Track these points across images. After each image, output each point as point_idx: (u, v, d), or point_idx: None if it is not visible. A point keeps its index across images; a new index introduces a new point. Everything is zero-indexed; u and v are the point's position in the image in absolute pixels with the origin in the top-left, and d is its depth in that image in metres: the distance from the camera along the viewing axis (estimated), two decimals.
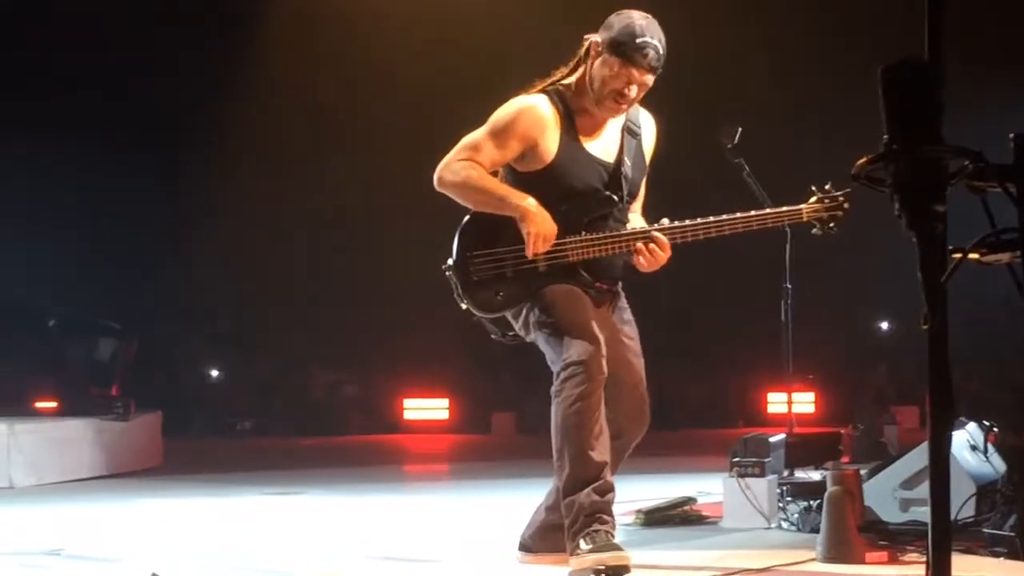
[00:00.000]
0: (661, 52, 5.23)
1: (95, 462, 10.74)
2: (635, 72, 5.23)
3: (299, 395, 18.30)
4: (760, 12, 15.29)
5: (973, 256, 2.58)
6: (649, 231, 5.33)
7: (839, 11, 15.09)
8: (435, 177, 5.39)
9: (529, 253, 5.26)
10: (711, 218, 5.34)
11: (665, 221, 5.40)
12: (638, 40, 5.19)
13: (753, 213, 5.42)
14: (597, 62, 5.30)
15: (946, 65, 2.56)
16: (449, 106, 10.84)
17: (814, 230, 5.47)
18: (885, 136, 2.50)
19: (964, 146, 2.50)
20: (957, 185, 2.54)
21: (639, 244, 5.30)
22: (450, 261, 5.44)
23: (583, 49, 5.39)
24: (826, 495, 5.68)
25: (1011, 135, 2.63)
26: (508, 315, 5.45)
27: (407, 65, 16.31)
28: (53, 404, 11.96)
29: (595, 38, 5.32)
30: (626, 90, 5.28)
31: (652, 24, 5.25)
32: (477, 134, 5.38)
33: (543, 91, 5.44)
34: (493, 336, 5.61)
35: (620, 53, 5.22)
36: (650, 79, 5.30)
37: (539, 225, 5.24)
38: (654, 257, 5.31)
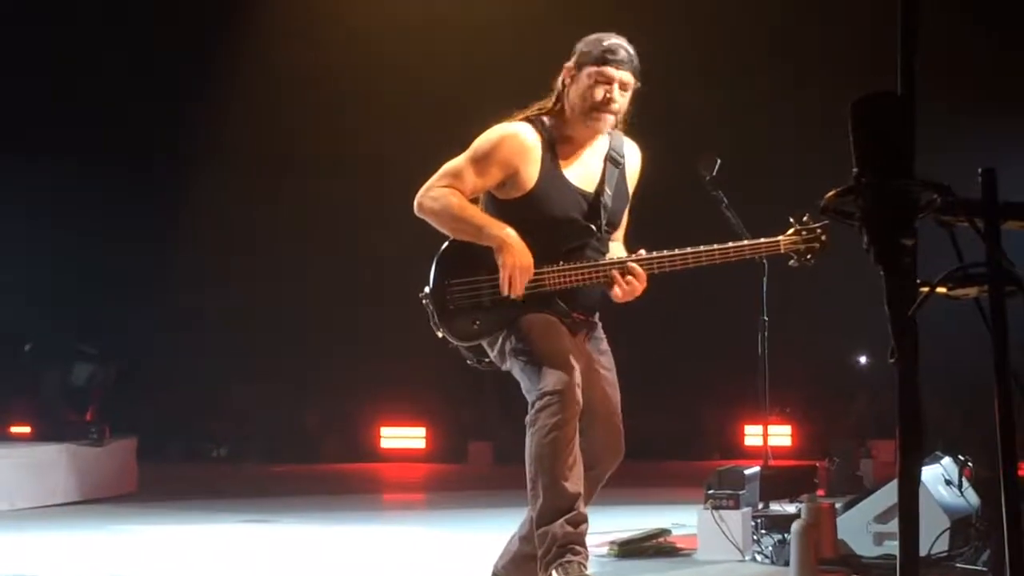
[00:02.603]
0: (630, 51, 5.34)
1: (69, 487, 10.69)
2: (612, 70, 5.28)
3: (275, 422, 18.24)
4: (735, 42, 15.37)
5: (941, 290, 2.59)
6: (625, 261, 5.33)
7: (815, 46, 15.15)
8: (415, 203, 5.39)
9: (503, 287, 5.25)
10: (688, 249, 5.35)
11: (642, 252, 5.40)
12: (605, 43, 5.31)
13: (731, 244, 5.42)
14: (575, 81, 5.35)
15: (917, 100, 2.57)
16: (434, 131, 10.84)
17: (791, 262, 5.48)
18: (855, 169, 2.51)
19: (933, 180, 2.51)
20: (925, 219, 2.56)
21: (615, 274, 5.30)
22: (427, 289, 5.43)
23: (559, 81, 5.43)
24: (792, 529, 5.69)
25: (979, 170, 2.64)
26: (484, 343, 5.45)
27: (395, 85, 16.33)
28: (27, 429, 11.91)
29: (567, 64, 5.39)
30: (609, 93, 5.31)
31: (615, 35, 5.37)
32: (458, 160, 5.38)
33: (525, 119, 5.45)
34: (468, 363, 5.60)
35: (592, 60, 5.30)
36: (629, 77, 5.33)
37: (516, 257, 5.23)
38: (630, 288, 5.31)
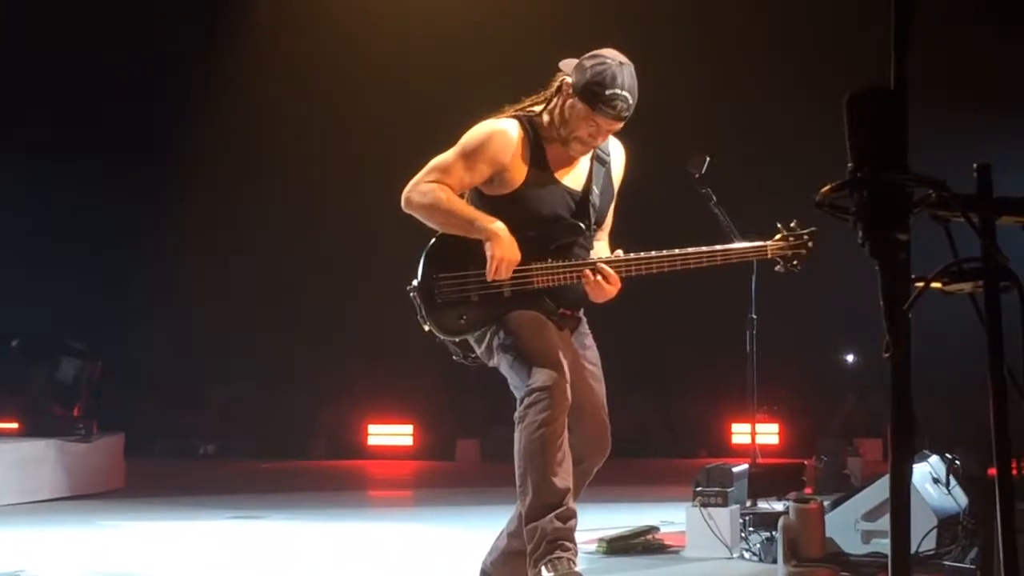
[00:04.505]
0: (631, 103, 5.21)
1: (56, 483, 10.67)
2: (602, 121, 5.23)
3: (262, 419, 18.22)
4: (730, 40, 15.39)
5: (935, 285, 2.59)
6: (609, 261, 5.33)
7: (809, 41, 15.16)
8: (403, 198, 5.38)
9: (490, 276, 5.25)
10: (676, 251, 5.34)
11: (619, 252, 5.41)
12: (608, 92, 5.15)
13: (717, 248, 5.42)
14: (567, 104, 5.29)
15: (912, 96, 2.56)
16: (425, 131, 10.84)
17: (777, 267, 5.48)
18: (849, 164, 2.51)
19: (928, 175, 2.51)
20: (920, 214, 2.55)
21: (587, 274, 5.30)
22: (415, 282, 5.42)
23: (556, 83, 5.38)
24: (779, 526, 5.69)
25: (975, 165, 2.64)
26: (471, 339, 5.44)
27: (383, 88, 16.32)
28: (15, 425, 11.88)
29: (568, 79, 5.30)
30: (592, 137, 5.29)
31: (625, 71, 5.21)
32: (446, 156, 5.37)
33: (514, 116, 5.43)
34: (455, 358, 5.60)
35: (588, 101, 5.20)
36: (617, 127, 5.30)
37: (504, 250, 5.23)
38: (601, 289, 5.31)
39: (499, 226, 5.24)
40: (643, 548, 7.02)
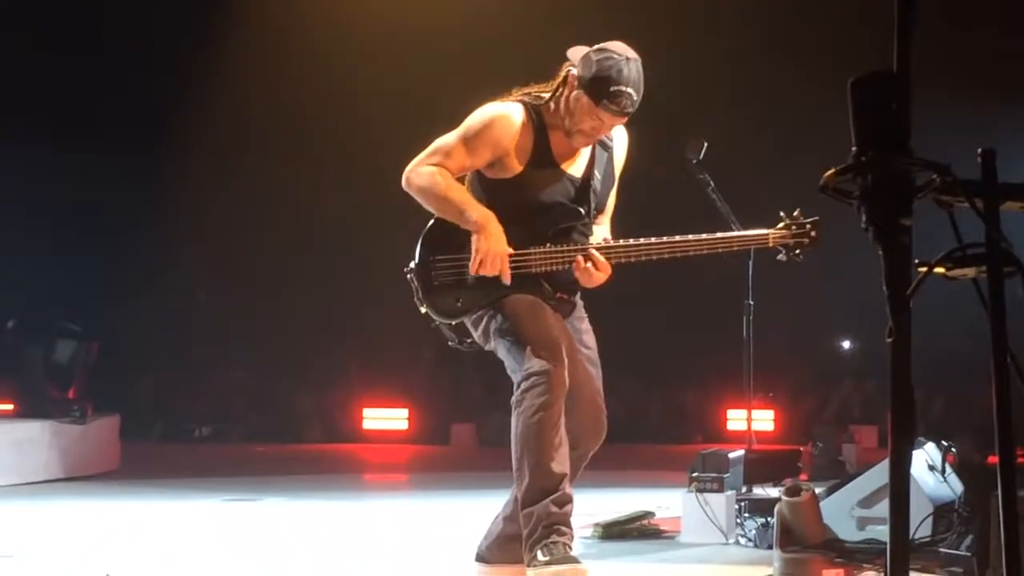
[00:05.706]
0: (635, 99, 5.19)
1: (52, 465, 10.65)
2: (605, 116, 5.22)
3: (258, 402, 18.22)
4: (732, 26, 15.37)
5: (939, 270, 2.59)
6: (587, 248, 5.32)
7: (811, 31, 15.14)
8: (403, 178, 5.37)
9: (472, 270, 5.25)
10: (676, 238, 5.34)
11: (608, 238, 5.41)
12: (612, 88, 5.13)
13: (719, 236, 5.42)
14: (572, 96, 5.26)
15: (916, 82, 2.56)
16: (411, 116, 10.83)
17: (779, 256, 5.47)
18: (854, 148, 2.50)
19: (932, 160, 2.50)
20: (924, 199, 2.55)
21: (578, 259, 5.29)
22: (412, 264, 5.42)
23: (562, 74, 5.35)
24: (775, 512, 5.69)
25: (979, 150, 2.63)
26: (467, 322, 5.44)
27: (374, 76, 16.30)
28: (10, 406, 11.86)
29: (574, 71, 5.27)
30: (596, 130, 5.28)
31: (632, 67, 5.19)
32: (449, 138, 5.36)
33: (519, 100, 5.41)
34: (451, 343, 5.60)
35: (593, 96, 5.17)
36: (621, 122, 5.29)
37: (490, 244, 5.21)
38: (589, 275, 5.30)
39: (489, 219, 5.23)
40: (639, 533, 7.01)
